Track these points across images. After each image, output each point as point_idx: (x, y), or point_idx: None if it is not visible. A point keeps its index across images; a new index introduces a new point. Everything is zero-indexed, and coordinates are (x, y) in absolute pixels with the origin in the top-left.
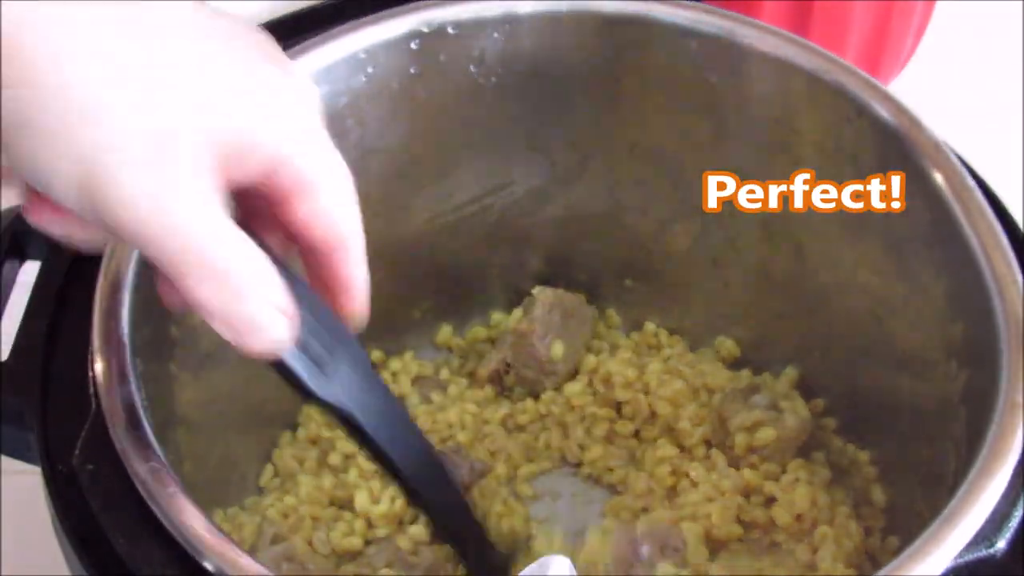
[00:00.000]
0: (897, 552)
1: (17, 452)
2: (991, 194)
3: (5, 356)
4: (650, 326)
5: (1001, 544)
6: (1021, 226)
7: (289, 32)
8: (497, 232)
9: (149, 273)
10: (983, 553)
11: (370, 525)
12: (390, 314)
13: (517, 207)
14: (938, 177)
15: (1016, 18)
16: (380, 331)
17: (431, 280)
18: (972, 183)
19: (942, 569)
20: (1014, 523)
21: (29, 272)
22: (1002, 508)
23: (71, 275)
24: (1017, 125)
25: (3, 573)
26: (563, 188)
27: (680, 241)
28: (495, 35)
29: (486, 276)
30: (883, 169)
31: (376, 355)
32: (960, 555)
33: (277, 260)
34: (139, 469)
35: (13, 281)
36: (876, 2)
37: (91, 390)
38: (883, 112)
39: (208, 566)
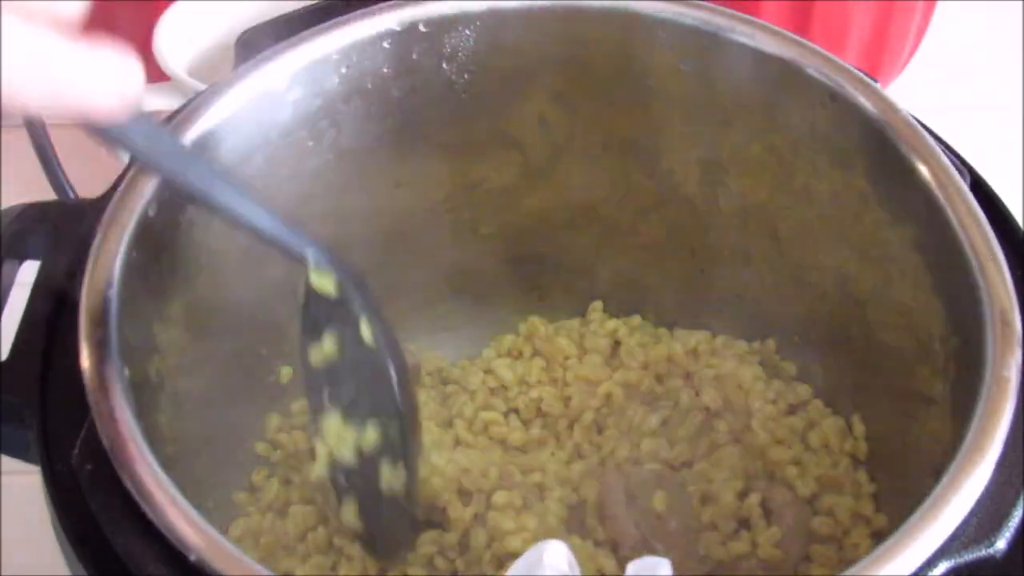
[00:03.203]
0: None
1: (17, 452)
2: (990, 194)
3: (4, 356)
4: (635, 319)
5: (1001, 544)
6: (1022, 225)
7: (283, 34)
8: (472, 230)
9: (135, 279)
10: (983, 553)
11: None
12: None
13: (492, 204)
14: (915, 158)
15: (1016, 18)
16: None
17: (408, 276)
18: (947, 161)
19: (937, 546)
20: (1014, 523)
21: (29, 272)
22: (1002, 508)
23: (70, 275)
24: (1017, 125)
25: (3, 573)
26: (537, 183)
27: (654, 232)
28: (466, 32)
29: (462, 272)
30: (859, 151)
31: None
32: (960, 554)
33: None
34: (133, 477)
35: (13, 281)
36: (876, 2)
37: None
38: (858, 95)
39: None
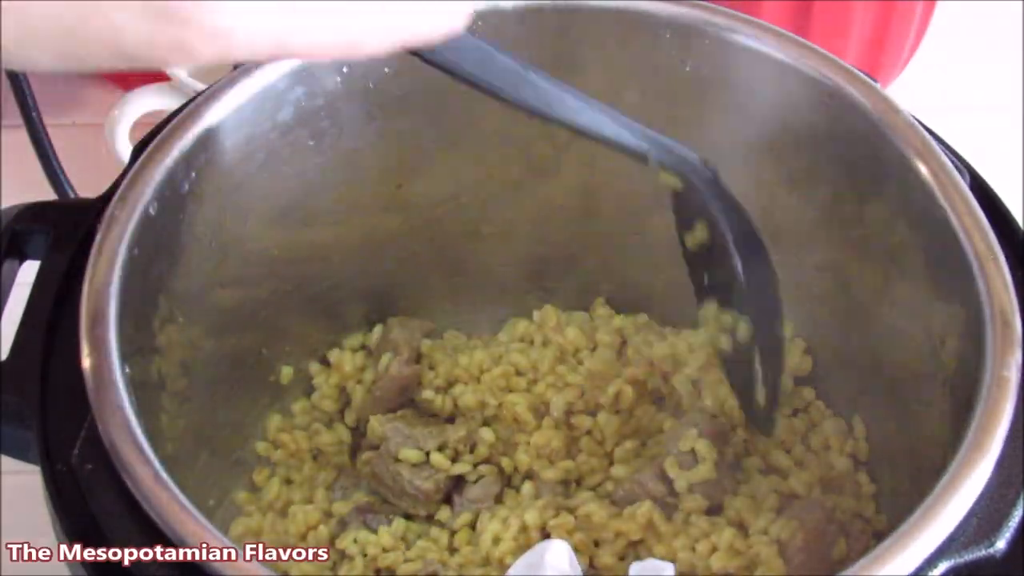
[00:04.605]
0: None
1: (17, 452)
2: (990, 194)
3: (4, 356)
4: (642, 317)
5: (1001, 544)
6: (1022, 225)
7: None
8: (474, 229)
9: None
10: (983, 553)
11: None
12: (373, 305)
13: (493, 203)
14: (914, 157)
15: (1016, 18)
16: (363, 322)
17: (409, 276)
18: (947, 161)
19: (937, 546)
20: (1014, 523)
21: (29, 272)
22: (1002, 508)
23: (70, 275)
24: (1017, 125)
25: (3, 573)
26: (539, 183)
27: (658, 232)
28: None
29: (465, 272)
30: (859, 151)
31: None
32: (960, 554)
33: None
34: (134, 476)
35: (13, 281)
36: (876, 2)
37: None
38: (858, 95)
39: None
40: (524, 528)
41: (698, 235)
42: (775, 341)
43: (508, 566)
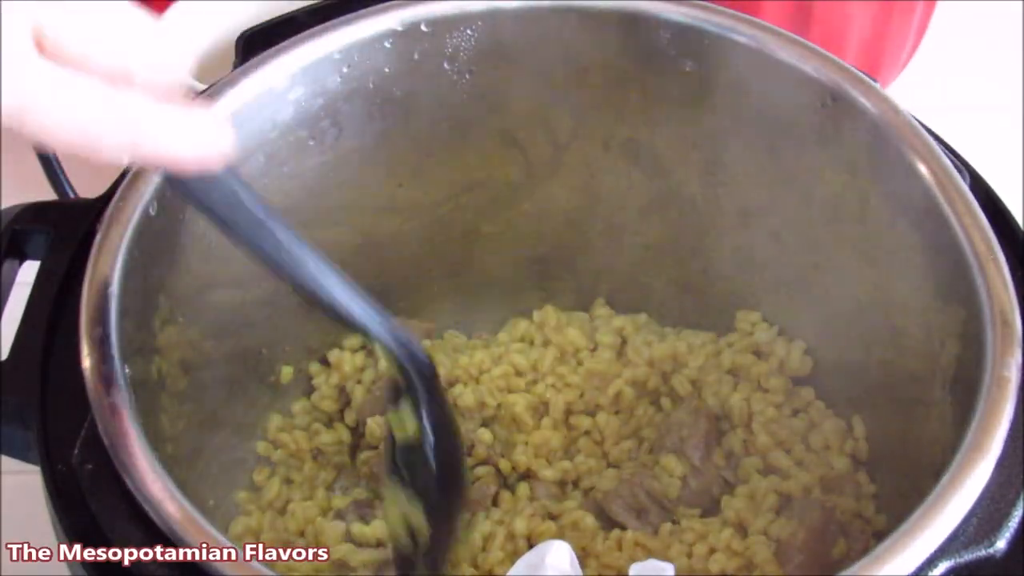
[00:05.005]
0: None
1: (17, 452)
2: (990, 193)
3: (4, 356)
4: (642, 317)
5: (1001, 544)
6: (1022, 225)
7: (284, 34)
8: (474, 229)
9: (135, 276)
10: (983, 553)
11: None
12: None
13: (494, 203)
14: (915, 158)
15: (1016, 18)
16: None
17: (410, 276)
18: (947, 161)
19: (937, 546)
20: (1014, 523)
21: (29, 272)
22: (1002, 508)
23: (70, 275)
24: (1017, 125)
25: (3, 573)
26: (539, 183)
27: (658, 232)
28: (468, 32)
29: (465, 272)
30: (860, 151)
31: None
32: (960, 554)
33: None
34: (134, 476)
35: (12, 281)
36: (876, 2)
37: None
38: (858, 95)
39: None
40: (512, 536)
41: (408, 426)
42: (443, 550)
43: (497, 574)
